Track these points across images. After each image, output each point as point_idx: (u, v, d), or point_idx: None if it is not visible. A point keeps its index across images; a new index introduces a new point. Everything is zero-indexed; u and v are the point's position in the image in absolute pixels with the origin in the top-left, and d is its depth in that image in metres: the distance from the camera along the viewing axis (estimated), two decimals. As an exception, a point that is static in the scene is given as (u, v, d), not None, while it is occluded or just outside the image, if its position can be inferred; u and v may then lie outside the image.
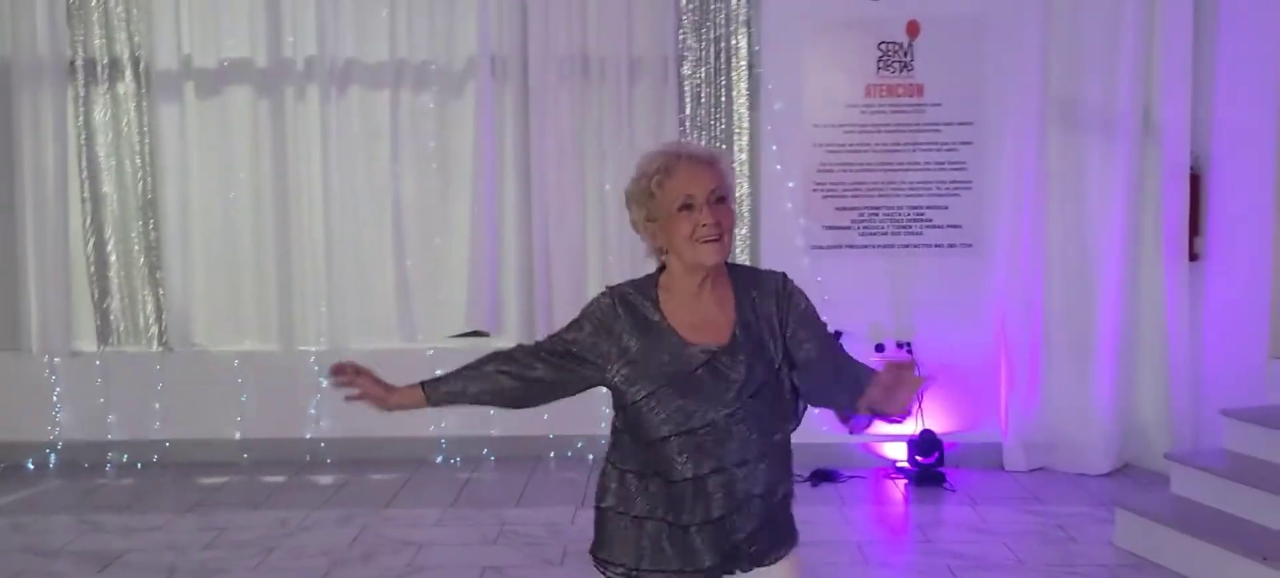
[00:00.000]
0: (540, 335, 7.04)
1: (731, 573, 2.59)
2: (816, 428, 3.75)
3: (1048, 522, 5.84)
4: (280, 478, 6.82)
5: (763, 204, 6.96)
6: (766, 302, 2.59)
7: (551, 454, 7.20)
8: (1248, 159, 6.09)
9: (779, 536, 2.62)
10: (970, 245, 6.86)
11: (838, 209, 6.93)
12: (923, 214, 6.90)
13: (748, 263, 7.04)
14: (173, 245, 7.06)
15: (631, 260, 6.98)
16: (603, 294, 2.65)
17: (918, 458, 6.60)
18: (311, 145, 7.03)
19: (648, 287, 2.63)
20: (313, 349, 7.13)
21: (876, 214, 6.92)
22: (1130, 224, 6.62)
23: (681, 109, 6.96)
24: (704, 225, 2.48)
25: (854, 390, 2.48)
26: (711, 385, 2.50)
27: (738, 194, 7.04)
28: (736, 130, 6.98)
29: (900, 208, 6.88)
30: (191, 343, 7.19)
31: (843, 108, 6.87)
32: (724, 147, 7.01)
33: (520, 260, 7.07)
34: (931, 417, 6.73)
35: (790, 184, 6.95)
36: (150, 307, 7.06)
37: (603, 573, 2.64)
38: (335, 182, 7.03)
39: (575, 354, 2.60)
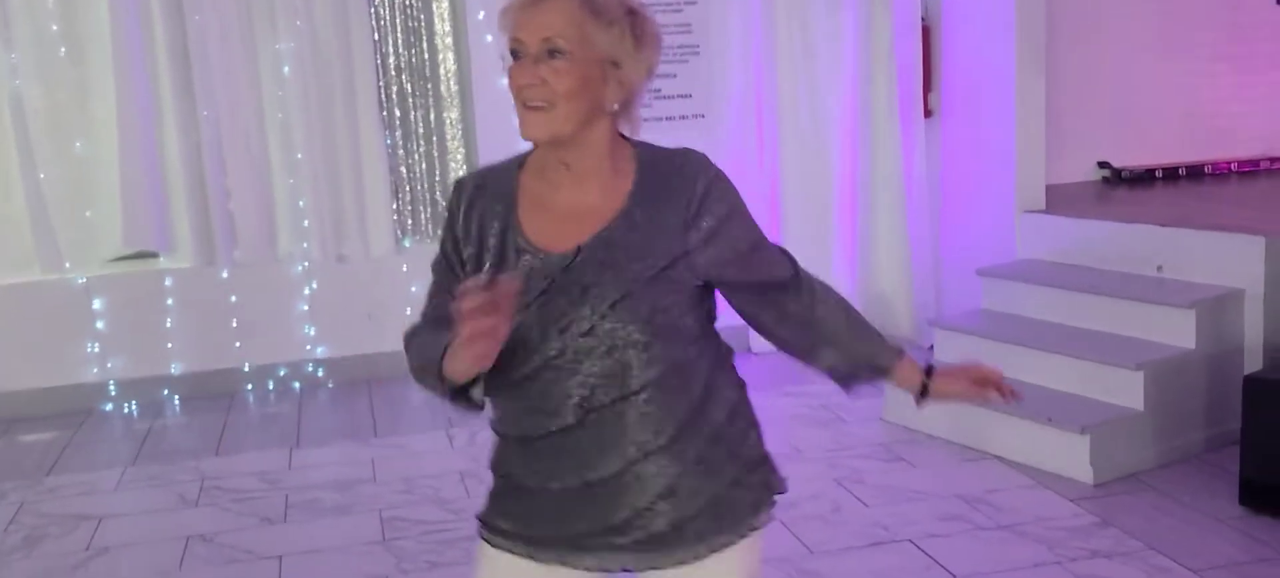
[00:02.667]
0: (223, 248, 5.98)
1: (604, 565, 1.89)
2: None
3: (812, 404, 5.51)
4: (-104, 454, 5.49)
5: (474, 79, 6.12)
6: (667, 198, 1.86)
7: (248, 388, 6.17)
8: (982, 9, 5.89)
9: (680, 530, 1.85)
10: (702, 116, 6.36)
11: (558, 82, 6.22)
12: (651, 83, 6.31)
13: (465, 150, 6.24)
14: None
15: (324, 151, 5.99)
16: (455, 185, 1.93)
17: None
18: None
19: (510, 164, 1.92)
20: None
21: (604, 85, 6.27)
22: (862, 83, 6.32)
23: (370, -31, 6.02)
24: (522, 86, 1.78)
25: (840, 347, 1.98)
26: (558, 307, 1.79)
27: (444, 71, 6.20)
28: (435, -4, 6.15)
29: (627, 77, 6.26)
30: None
31: (556, -33, 6.13)
32: (423, 16, 6.13)
33: (187, 162, 5.90)
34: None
35: (505, 57, 6.15)
36: None
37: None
38: (-70, 78, 5.62)
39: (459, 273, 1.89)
